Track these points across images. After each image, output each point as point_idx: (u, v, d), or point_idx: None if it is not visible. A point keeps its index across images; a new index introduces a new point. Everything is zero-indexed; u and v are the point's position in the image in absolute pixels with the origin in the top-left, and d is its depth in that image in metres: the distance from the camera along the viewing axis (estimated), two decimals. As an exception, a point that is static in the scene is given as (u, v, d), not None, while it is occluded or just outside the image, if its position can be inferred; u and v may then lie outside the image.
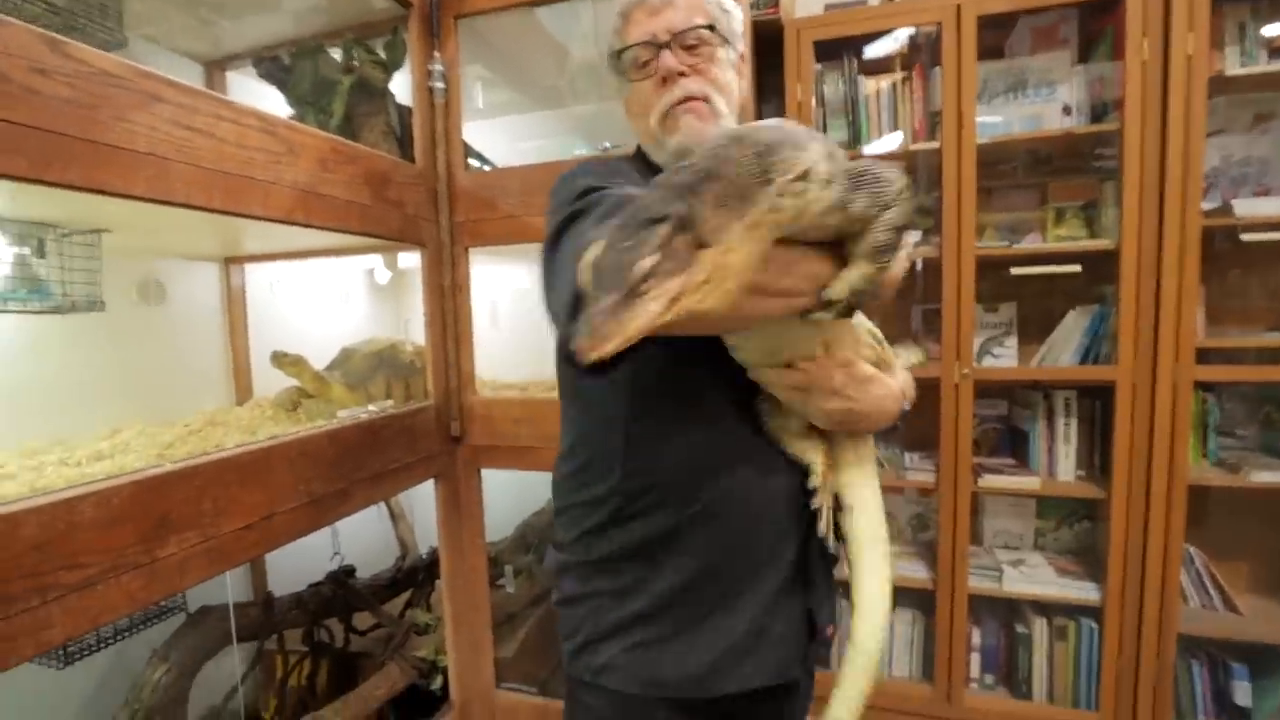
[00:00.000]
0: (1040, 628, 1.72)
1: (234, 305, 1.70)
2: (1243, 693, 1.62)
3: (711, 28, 0.74)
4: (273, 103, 1.56)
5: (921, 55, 1.70)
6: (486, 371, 1.88)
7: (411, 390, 1.53)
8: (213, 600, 1.45)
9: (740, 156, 0.48)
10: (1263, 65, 1.46)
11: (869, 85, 1.70)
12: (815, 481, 0.68)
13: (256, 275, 1.79)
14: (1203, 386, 1.58)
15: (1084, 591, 1.64)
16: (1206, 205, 1.47)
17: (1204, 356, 1.48)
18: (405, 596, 1.74)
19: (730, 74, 0.76)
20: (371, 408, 1.27)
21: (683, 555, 0.69)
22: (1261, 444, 1.68)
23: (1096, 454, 1.71)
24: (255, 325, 1.77)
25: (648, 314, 0.43)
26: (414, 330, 2.16)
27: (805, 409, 0.66)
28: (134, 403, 1.43)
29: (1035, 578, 1.69)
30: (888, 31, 1.65)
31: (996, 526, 1.87)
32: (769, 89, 1.73)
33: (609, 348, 0.42)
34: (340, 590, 1.53)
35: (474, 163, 1.61)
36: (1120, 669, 1.61)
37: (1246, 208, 1.45)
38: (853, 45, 1.70)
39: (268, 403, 1.60)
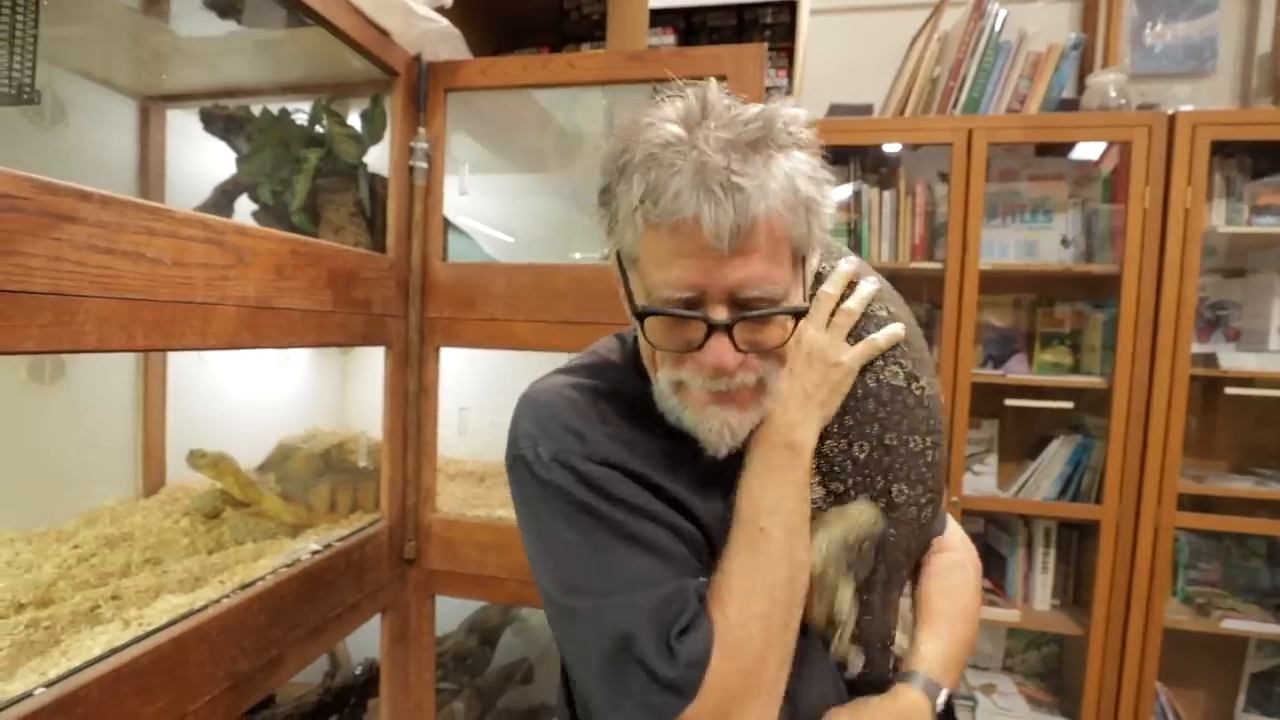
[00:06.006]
0: (1010, 760, 1.68)
1: (151, 379, 1.45)
2: (1196, 827, 1.63)
3: (798, 315, 0.52)
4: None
5: (927, 171, 1.67)
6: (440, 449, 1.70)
7: (359, 499, 1.34)
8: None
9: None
10: (1244, 225, 1.50)
11: (871, 194, 1.65)
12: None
13: (181, 340, 1.55)
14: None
15: (1056, 728, 1.61)
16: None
17: (1180, 501, 1.49)
18: (332, 721, 1.51)
19: (793, 330, 0.53)
20: (314, 545, 1.08)
21: None
22: (1223, 577, 1.71)
23: (1071, 583, 1.70)
24: (176, 399, 1.52)
25: None
26: (354, 414, 1.95)
27: None
28: (11, 505, 1.18)
29: (1009, 709, 1.65)
30: (899, 144, 1.61)
31: (967, 646, 1.83)
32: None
33: None
34: (255, 733, 1.31)
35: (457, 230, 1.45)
36: (1088, 808, 1.58)
37: (1231, 360, 1.47)
38: (858, 153, 1.65)
39: (184, 498, 1.37)
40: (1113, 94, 1.53)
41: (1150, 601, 1.49)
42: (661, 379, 0.55)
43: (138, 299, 0.73)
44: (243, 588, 0.93)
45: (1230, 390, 1.49)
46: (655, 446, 0.58)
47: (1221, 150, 1.50)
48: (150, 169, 1.43)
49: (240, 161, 1.26)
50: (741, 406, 0.54)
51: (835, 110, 1.69)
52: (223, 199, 1.33)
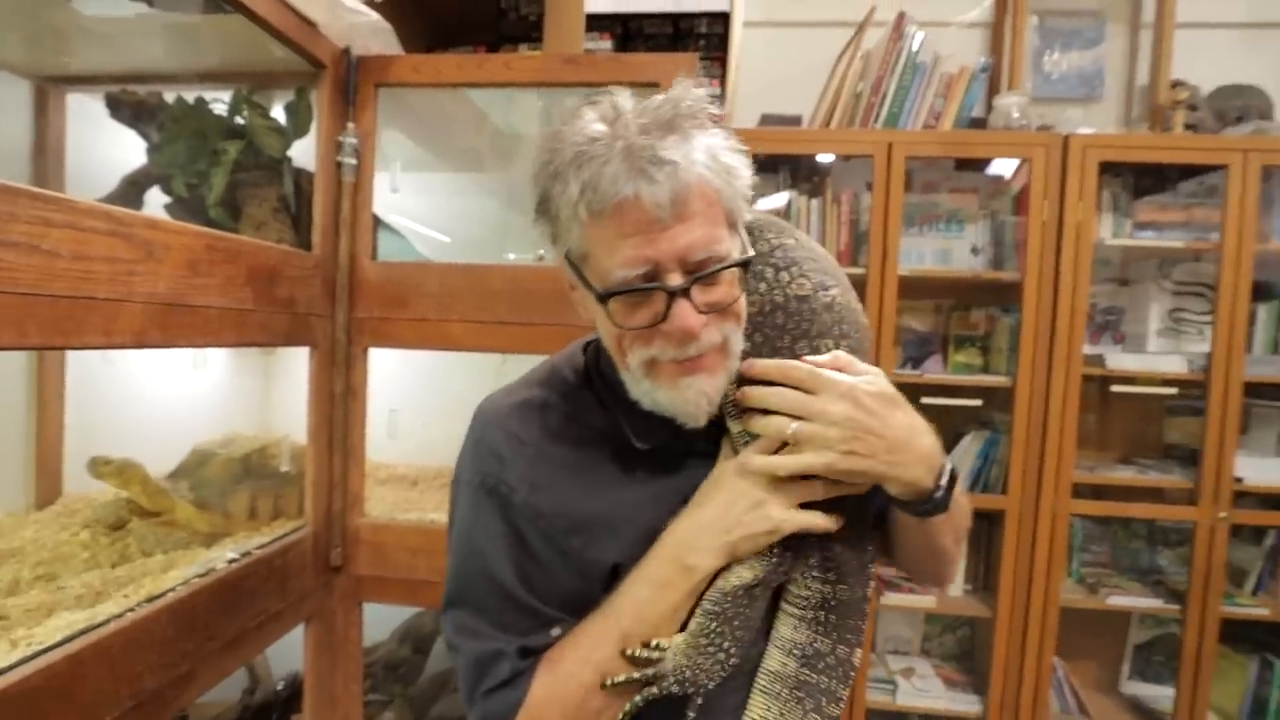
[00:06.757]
0: (927, 737, 1.78)
1: (46, 381, 1.35)
2: (1090, 790, 1.78)
3: (745, 264, 0.55)
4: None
5: (855, 181, 1.75)
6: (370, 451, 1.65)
7: (281, 505, 1.29)
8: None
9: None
10: (1127, 238, 1.66)
11: (800, 203, 1.73)
12: None
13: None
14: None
15: (969, 705, 1.72)
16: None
17: (1075, 490, 1.63)
18: (252, 739, 1.44)
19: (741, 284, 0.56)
20: (231, 554, 1.03)
21: None
22: (1111, 558, 1.88)
23: (982, 569, 1.82)
24: (76, 403, 1.42)
25: None
26: (278, 418, 1.86)
27: None
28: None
29: (926, 690, 1.75)
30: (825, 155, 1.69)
31: (888, 633, 1.93)
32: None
33: None
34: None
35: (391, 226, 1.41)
36: (995, 778, 1.70)
37: (1116, 361, 1.62)
38: (789, 162, 1.72)
39: (84, 509, 1.28)
40: (1015, 115, 1.65)
41: (1049, 583, 1.62)
42: (633, 362, 0.56)
43: (30, 294, 0.68)
44: (149, 600, 0.88)
45: (1116, 388, 1.64)
46: (586, 468, 0.61)
47: (1110, 170, 1.65)
48: (48, 155, 1.33)
49: (151, 151, 1.19)
50: (710, 371, 0.55)
51: (766, 120, 1.75)
52: (131, 190, 1.25)
